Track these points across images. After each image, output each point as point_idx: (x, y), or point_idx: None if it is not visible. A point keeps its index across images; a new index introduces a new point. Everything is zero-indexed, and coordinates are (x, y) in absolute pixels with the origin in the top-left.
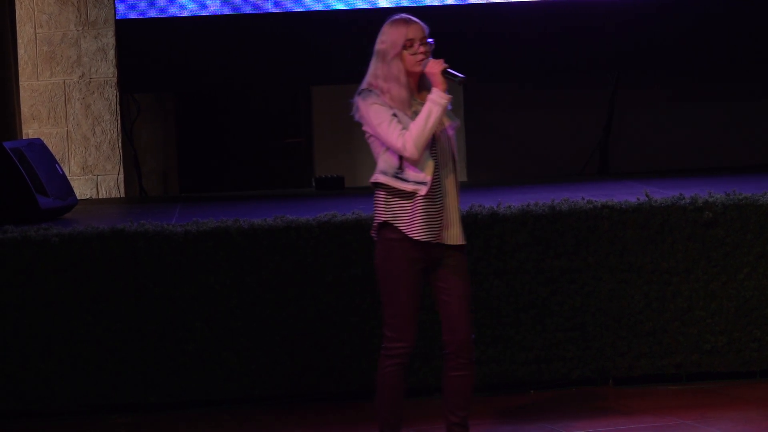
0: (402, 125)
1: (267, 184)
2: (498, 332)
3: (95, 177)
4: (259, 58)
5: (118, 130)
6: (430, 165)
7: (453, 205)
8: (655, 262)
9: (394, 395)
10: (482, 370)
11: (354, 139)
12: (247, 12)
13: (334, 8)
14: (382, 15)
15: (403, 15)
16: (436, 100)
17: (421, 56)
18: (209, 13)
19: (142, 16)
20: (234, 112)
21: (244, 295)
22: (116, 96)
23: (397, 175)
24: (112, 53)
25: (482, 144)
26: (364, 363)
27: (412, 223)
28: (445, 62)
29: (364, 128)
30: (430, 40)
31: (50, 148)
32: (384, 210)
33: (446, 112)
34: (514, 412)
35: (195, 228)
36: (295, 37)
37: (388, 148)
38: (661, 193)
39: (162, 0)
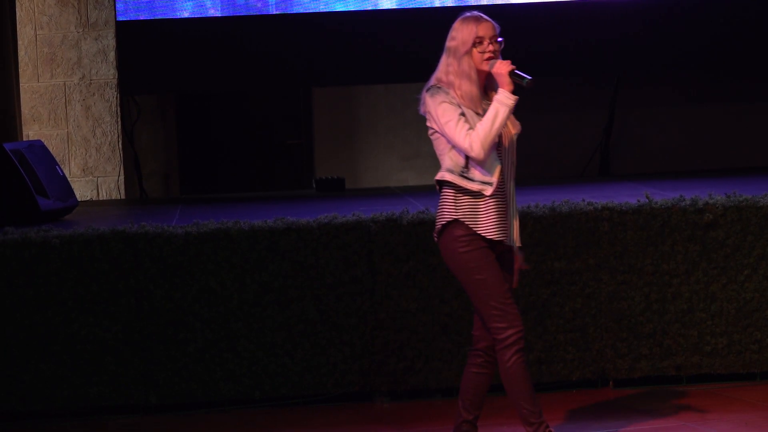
0: (469, 125)
1: (267, 186)
2: None
3: (96, 179)
4: (260, 59)
5: (119, 131)
6: (496, 166)
7: (514, 207)
8: (656, 264)
9: (528, 384)
10: None
11: (354, 140)
12: (248, 14)
13: (334, 10)
14: (383, 17)
15: (475, 12)
16: (503, 100)
17: (489, 54)
18: (210, 15)
19: (142, 18)
20: (234, 113)
21: (245, 297)
22: (117, 98)
23: (463, 174)
24: (112, 55)
25: None
26: (365, 364)
27: (484, 221)
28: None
29: (429, 125)
30: (499, 39)
31: (51, 149)
32: (453, 208)
33: (514, 118)
34: (514, 414)
35: (195, 229)
36: (296, 38)
37: (454, 147)
38: (661, 195)
39: (162, 2)
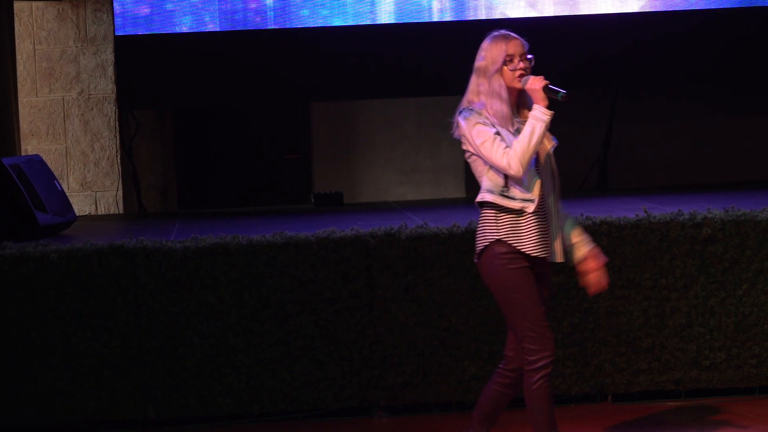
0: (505, 143)
1: (266, 200)
2: (497, 348)
3: (94, 193)
4: (258, 74)
5: (117, 146)
6: (536, 182)
7: (555, 223)
8: (654, 278)
9: (549, 408)
10: (481, 386)
11: (352, 155)
12: (246, 28)
13: (332, 25)
14: (381, 31)
15: (503, 31)
16: (539, 116)
17: (520, 72)
18: (208, 30)
19: (141, 33)
20: (233, 128)
21: (243, 311)
22: (115, 112)
23: (503, 193)
24: (111, 69)
25: None
26: (363, 378)
27: (527, 239)
28: (546, 78)
29: (465, 147)
30: (529, 56)
31: (49, 164)
32: (495, 228)
33: (549, 134)
34: (513, 429)
35: (194, 244)
36: (294, 53)
37: (492, 167)
38: (659, 209)
39: (161, 16)
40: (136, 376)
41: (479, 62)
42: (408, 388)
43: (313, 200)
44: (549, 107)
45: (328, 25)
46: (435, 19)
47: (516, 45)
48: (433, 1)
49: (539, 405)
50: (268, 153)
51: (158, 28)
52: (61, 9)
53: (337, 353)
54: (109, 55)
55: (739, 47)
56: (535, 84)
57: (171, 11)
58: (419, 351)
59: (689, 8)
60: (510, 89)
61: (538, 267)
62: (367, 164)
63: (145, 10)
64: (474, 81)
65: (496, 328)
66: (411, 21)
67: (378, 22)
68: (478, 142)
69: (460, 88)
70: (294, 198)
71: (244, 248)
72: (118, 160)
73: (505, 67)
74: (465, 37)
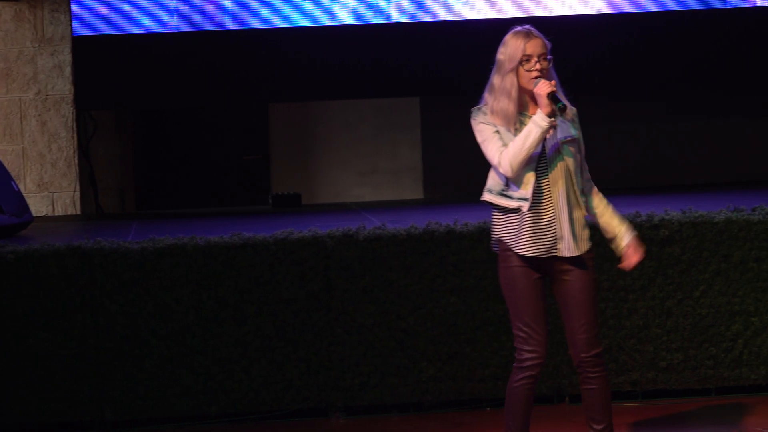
0: (503, 142)
1: (224, 201)
2: (455, 349)
3: (51, 194)
4: (217, 75)
5: (75, 147)
6: (529, 181)
7: (565, 218)
8: (612, 280)
9: (523, 410)
10: (439, 387)
11: (311, 156)
12: (205, 29)
13: (291, 26)
14: (340, 32)
15: (527, 27)
16: (538, 122)
17: (536, 73)
18: (166, 31)
19: (99, 33)
20: (191, 129)
21: (201, 312)
22: (73, 113)
23: (503, 192)
24: (68, 70)
25: (439, 161)
26: (321, 380)
27: (519, 239)
28: (554, 85)
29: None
30: (549, 56)
31: (6, 165)
32: (497, 226)
33: (567, 125)
34: (469, 430)
35: (151, 245)
36: (253, 54)
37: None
38: (617, 211)
39: (119, 17)
40: (93, 378)
41: (498, 56)
42: (365, 389)
43: (271, 201)
44: (555, 115)
45: (287, 26)
46: (393, 20)
47: (535, 45)
48: (392, 3)
49: (516, 404)
50: (226, 154)
51: (116, 29)
52: (18, 9)
53: (295, 354)
54: (66, 56)
55: (696, 50)
56: (542, 89)
57: (129, 12)
58: (377, 352)
59: (648, 10)
60: (521, 89)
61: (550, 265)
62: (325, 165)
63: (103, 11)
64: (493, 74)
65: (454, 329)
66: (369, 22)
67: (336, 24)
68: (479, 140)
69: (419, 89)
70: (252, 199)
71: (201, 249)
72: (76, 161)
73: (520, 67)
74: (424, 38)
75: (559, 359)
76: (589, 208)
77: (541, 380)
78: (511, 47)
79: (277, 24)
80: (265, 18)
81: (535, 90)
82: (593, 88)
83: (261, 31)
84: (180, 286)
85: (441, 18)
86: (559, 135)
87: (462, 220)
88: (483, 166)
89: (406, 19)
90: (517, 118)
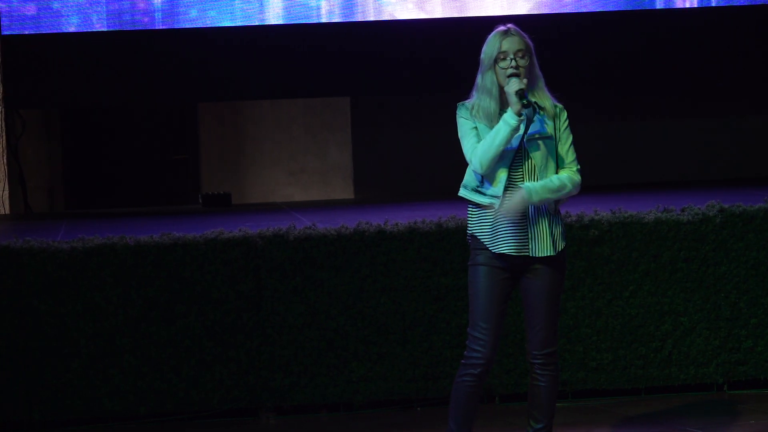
0: (478, 139)
1: (153, 201)
2: (385, 349)
3: None
4: (146, 74)
5: (3, 146)
6: (501, 179)
7: (540, 216)
8: None
9: (463, 407)
10: (369, 387)
11: (240, 156)
12: (134, 29)
13: (221, 25)
14: (270, 32)
15: (506, 26)
16: (507, 119)
17: (512, 71)
18: (95, 30)
19: (27, 32)
20: (120, 128)
21: (131, 312)
22: (1, 112)
23: (477, 188)
24: None
25: (370, 161)
26: (251, 379)
27: (494, 236)
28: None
29: None
30: (531, 54)
31: None
32: (471, 222)
33: (543, 122)
34: (399, 430)
35: (81, 245)
36: (182, 53)
37: None
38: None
39: (48, 16)
40: (21, 378)
41: (481, 55)
42: (296, 389)
43: (201, 201)
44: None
45: (217, 25)
46: (323, 20)
47: (512, 42)
48: (322, 3)
49: (456, 400)
50: (156, 153)
51: (45, 28)
52: None
53: (225, 354)
54: None
55: (627, 50)
56: (511, 87)
57: (58, 11)
58: (307, 352)
59: (578, 11)
60: (502, 87)
61: (520, 264)
62: (254, 165)
63: (31, 10)
64: (477, 73)
65: (385, 329)
66: (299, 22)
67: (267, 23)
68: (459, 135)
69: (349, 89)
70: (182, 199)
71: (131, 249)
72: (4, 160)
73: (496, 65)
74: (354, 38)
75: None
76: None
77: None
78: (489, 45)
79: (207, 23)
80: (194, 18)
81: (506, 88)
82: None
83: (191, 31)
84: (109, 286)
85: (371, 18)
86: (535, 132)
87: (392, 220)
88: (415, 165)
89: (336, 19)
90: (500, 116)
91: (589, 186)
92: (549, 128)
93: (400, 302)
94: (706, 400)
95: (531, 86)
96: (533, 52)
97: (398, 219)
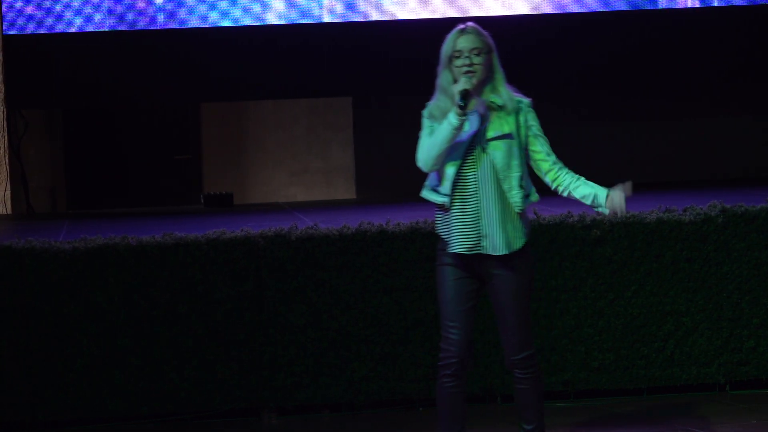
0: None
1: (156, 201)
2: (387, 349)
3: None
4: (148, 74)
5: (5, 146)
6: (450, 178)
7: (490, 215)
8: (544, 280)
9: (447, 409)
10: (371, 387)
11: (243, 156)
12: (136, 29)
13: (223, 25)
14: (271, 32)
15: (466, 25)
16: (450, 119)
17: (466, 69)
18: (97, 30)
19: (30, 32)
20: (122, 128)
21: (133, 312)
22: (3, 112)
23: (435, 188)
24: None
25: (372, 161)
26: (253, 379)
27: (450, 235)
28: (466, 84)
29: None
30: (490, 52)
31: None
32: (436, 222)
33: (502, 122)
34: (401, 429)
35: (83, 245)
36: (184, 53)
37: None
38: (549, 211)
39: (50, 16)
40: (24, 378)
41: (442, 53)
42: (298, 389)
43: (203, 201)
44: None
45: (219, 25)
46: (325, 20)
47: (467, 40)
48: (324, 2)
49: (439, 402)
50: (158, 154)
51: (47, 28)
52: None
53: (227, 354)
54: None
55: (629, 50)
56: (456, 87)
57: (60, 11)
58: (309, 352)
59: (579, 11)
60: None
61: (480, 263)
62: (257, 165)
63: (33, 10)
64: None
65: (386, 329)
66: (301, 22)
67: (268, 23)
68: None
69: (349, 89)
70: (184, 199)
71: (133, 249)
72: (6, 160)
73: (452, 63)
74: (355, 38)
75: (490, 359)
76: (563, 188)
77: (472, 380)
78: (446, 44)
79: (209, 23)
80: (196, 17)
81: (453, 87)
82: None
83: (192, 31)
84: (111, 286)
85: (373, 18)
86: (490, 131)
87: (394, 220)
88: (415, 166)
89: (338, 19)
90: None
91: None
92: (508, 127)
93: (401, 302)
94: (708, 401)
95: (490, 85)
96: (494, 49)
97: (400, 219)
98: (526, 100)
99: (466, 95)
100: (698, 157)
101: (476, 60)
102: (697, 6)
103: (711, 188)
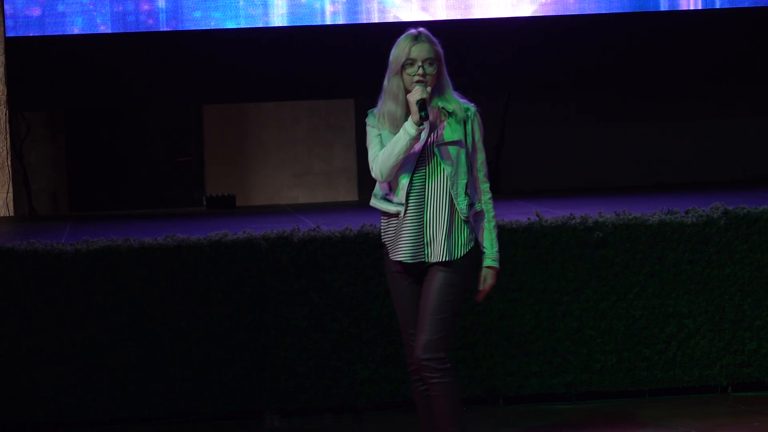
0: (382, 146)
1: (158, 203)
2: (389, 351)
3: None
4: (150, 76)
5: (8, 148)
6: (404, 187)
7: (436, 222)
8: (546, 282)
9: (422, 411)
10: (373, 389)
11: (245, 157)
12: (139, 31)
13: (225, 27)
14: (274, 34)
15: (419, 30)
16: (407, 128)
17: (418, 78)
18: (100, 32)
19: (32, 34)
20: (124, 130)
21: (135, 314)
22: (5, 114)
23: (386, 197)
24: (1, 71)
25: None
26: (255, 381)
27: (395, 244)
28: (424, 94)
29: None
30: (440, 61)
31: None
32: (382, 232)
33: (453, 128)
34: (406, 431)
35: (85, 247)
36: (187, 55)
37: None
38: (551, 213)
39: (52, 18)
40: (26, 380)
41: (390, 57)
42: (300, 391)
43: (205, 203)
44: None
45: (221, 27)
46: (328, 22)
47: (421, 49)
48: (326, 4)
49: (418, 407)
50: (160, 155)
51: (50, 30)
52: None
53: (229, 356)
54: None
55: (631, 52)
56: (413, 96)
57: (62, 13)
58: (311, 354)
59: (581, 13)
60: (408, 92)
61: (418, 270)
62: (259, 167)
63: (36, 12)
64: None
65: (388, 331)
66: (303, 24)
67: (270, 25)
68: (367, 144)
69: (352, 91)
70: (186, 201)
71: (135, 251)
72: (9, 162)
73: (404, 71)
74: (358, 40)
75: (494, 361)
76: (478, 212)
77: (475, 382)
78: (398, 49)
79: (211, 25)
80: (199, 19)
81: (408, 96)
82: (527, 89)
83: (195, 32)
84: (113, 288)
85: (375, 20)
86: (441, 139)
87: None
88: None
89: (340, 21)
90: (402, 121)
91: (594, 188)
92: (458, 133)
93: None
94: (710, 403)
95: (439, 93)
96: (442, 58)
97: None
98: (473, 108)
99: (423, 105)
100: (700, 158)
101: (429, 70)
102: (700, 8)
103: (713, 190)
